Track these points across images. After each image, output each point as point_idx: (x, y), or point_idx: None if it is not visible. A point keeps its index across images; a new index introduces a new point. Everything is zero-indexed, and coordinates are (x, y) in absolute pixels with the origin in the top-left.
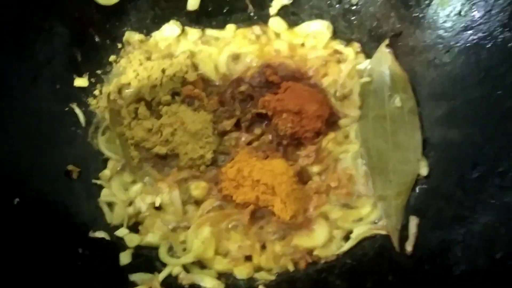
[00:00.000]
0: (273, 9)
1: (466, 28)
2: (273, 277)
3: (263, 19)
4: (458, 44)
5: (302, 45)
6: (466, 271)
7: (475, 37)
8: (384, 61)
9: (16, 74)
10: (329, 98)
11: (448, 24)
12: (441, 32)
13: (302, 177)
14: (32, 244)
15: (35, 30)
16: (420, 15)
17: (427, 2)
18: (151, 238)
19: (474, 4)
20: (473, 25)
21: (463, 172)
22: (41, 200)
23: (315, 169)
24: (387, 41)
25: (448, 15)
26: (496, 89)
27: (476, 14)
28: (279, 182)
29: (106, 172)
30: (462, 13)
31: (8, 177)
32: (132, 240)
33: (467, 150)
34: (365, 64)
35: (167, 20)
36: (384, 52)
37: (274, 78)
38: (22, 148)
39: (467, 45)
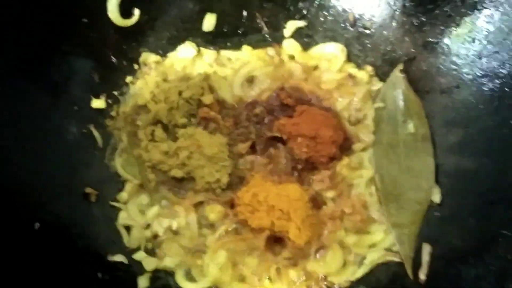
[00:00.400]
0: (287, 31)
1: (480, 56)
2: None
3: (278, 40)
4: (472, 72)
5: (316, 67)
6: None
7: (489, 65)
8: (397, 86)
9: (34, 96)
10: (344, 122)
11: (462, 51)
12: (455, 58)
13: (316, 202)
14: (52, 268)
15: (52, 52)
16: (434, 41)
17: (441, 28)
18: (168, 262)
19: (488, 32)
20: (487, 53)
21: (476, 201)
22: (60, 224)
23: (329, 194)
24: (401, 66)
25: (462, 42)
26: (510, 118)
27: (491, 42)
28: (294, 208)
29: (124, 195)
30: (477, 41)
31: (27, 200)
32: (149, 263)
33: (481, 178)
34: (378, 87)
35: (183, 41)
36: (398, 77)
37: (288, 101)
38: (41, 170)
39: (481, 73)
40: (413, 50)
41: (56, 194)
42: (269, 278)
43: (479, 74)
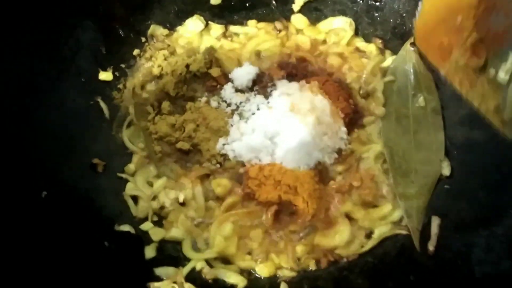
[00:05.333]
0: (296, 6)
1: None
2: (294, 274)
3: (286, 14)
4: None
5: (324, 41)
6: (489, 273)
7: None
8: (408, 59)
9: (41, 68)
10: (355, 94)
11: None
12: None
13: (324, 177)
14: (59, 237)
15: (60, 24)
16: None
17: None
18: (175, 232)
19: None
20: None
21: (486, 173)
22: (67, 193)
23: (338, 168)
24: (412, 39)
25: None
26: None
27: None
28: (301, 182)
29: (131, 166)
30: None
31: (35, 170)
32: (156, 234)
33: (490, 151)
34: (388, 61)
35: (191, 15)
36: (408, 51)
37: (294, 73)
38: (48, 142)
39: None
40: None
41: (63, 164)
42: (276, 252)
43: None
